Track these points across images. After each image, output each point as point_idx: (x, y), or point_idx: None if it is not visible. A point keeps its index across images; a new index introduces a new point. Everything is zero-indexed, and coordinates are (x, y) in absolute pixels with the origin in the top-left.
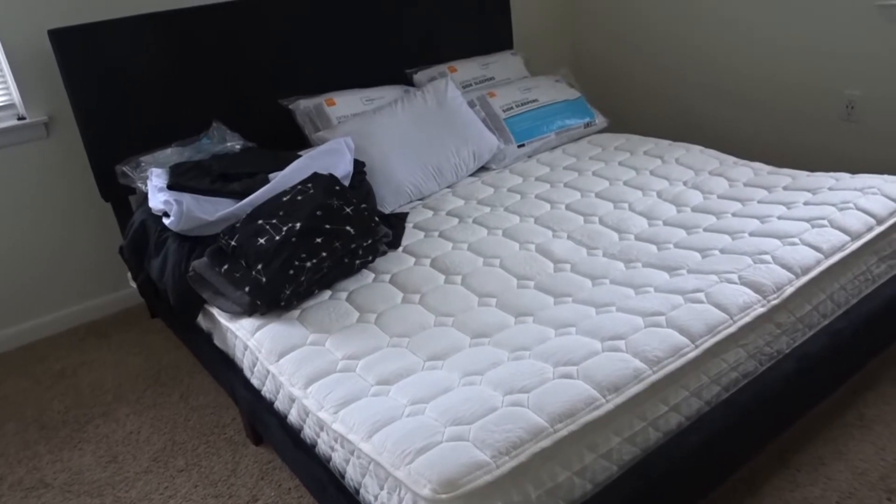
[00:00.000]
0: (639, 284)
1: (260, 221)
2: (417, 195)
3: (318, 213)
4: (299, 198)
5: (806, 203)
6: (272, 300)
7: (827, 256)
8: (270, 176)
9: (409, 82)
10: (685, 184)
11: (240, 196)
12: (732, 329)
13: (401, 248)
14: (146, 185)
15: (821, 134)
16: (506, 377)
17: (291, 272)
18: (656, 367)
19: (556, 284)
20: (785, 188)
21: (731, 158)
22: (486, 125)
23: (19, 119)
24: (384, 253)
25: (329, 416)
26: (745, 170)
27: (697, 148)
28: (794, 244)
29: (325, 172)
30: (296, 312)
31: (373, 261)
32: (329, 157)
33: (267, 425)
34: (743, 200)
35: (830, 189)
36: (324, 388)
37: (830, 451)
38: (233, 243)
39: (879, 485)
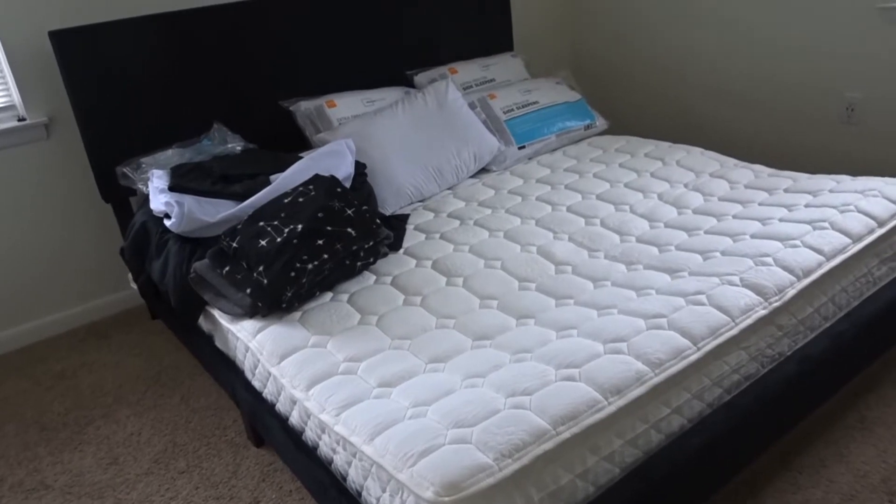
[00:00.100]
0: (640, 286)
1: (261, 223)
2: (418, 197)
3: (320, 214)
4: (301, 199)
5: (807, 205)
6: (273, 302)
7: (828, 259)
8: (271, 177)
9: (409, 84)
10: (686, 186)
11: (241, 198)
12: (734, 331)
13: (402, 250)
14: (147, 187)
15: (821, 136)
16: (508, 379)
17: (293, 274)
18: (658, 370)
19: (557, 286)
20: (786, 190)
21: (732, 160)
22: (486, 127)
23: (20, 120)
24: (385, 255)
25: (331, 418)
26: (746, 172)
27: (698, 150)
28: (795, 246)
29: (326, 174)
30: (297, 314)
31: (374, 263)
32: (330, 159)
33: (268, 427)
34: (744, 202)
35: (831, 191)
36: (325, 390)
37: (832, 453)
38: (234, 245)
39: (881, 487)
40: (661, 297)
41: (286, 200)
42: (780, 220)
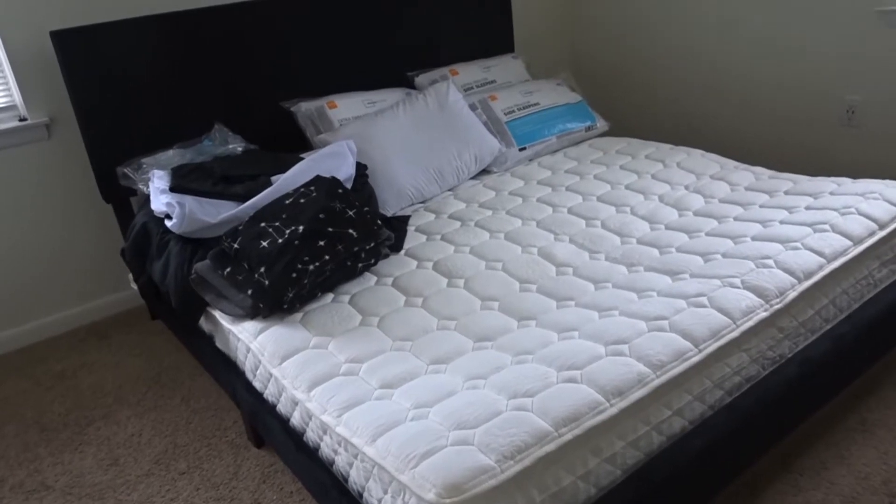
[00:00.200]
0: (641, 288)
1: (263, 224)
2: (419, 198)
3: (321, 215)
4: (302, 201)
5: (808, 207)
6: (275, 303)
7: (829, 261)
8: (273, 178)
9: (410, 85)
10: (687, 188)
11: (242, 199)
12: (735, 333)
13: (403, 252)
14: (148, 187)
15: (821, 138)
16: (510, 381)
17: (294, 275)
18: (660, 372)
19: (558, 288)
20: (786, 192)
21: (732, 162)
22: (487, 128)
23: (21, 120)
24: (386, 256)
25: (332, 419)
26: (747, 174)
27: (698, 152)
28: (796, 248)
29: (327, 175)
30: (298, 315)
31: (375, 264)
32: (331, 160)
33: (269, 428)
34: (744, 205)
35: (832, 194)
36: (327, 391)
37: (833, 455)
38: (235, 246)
39: (882, 489)
40: (663, 299)
41: (287, 201)
42: (781, 222)
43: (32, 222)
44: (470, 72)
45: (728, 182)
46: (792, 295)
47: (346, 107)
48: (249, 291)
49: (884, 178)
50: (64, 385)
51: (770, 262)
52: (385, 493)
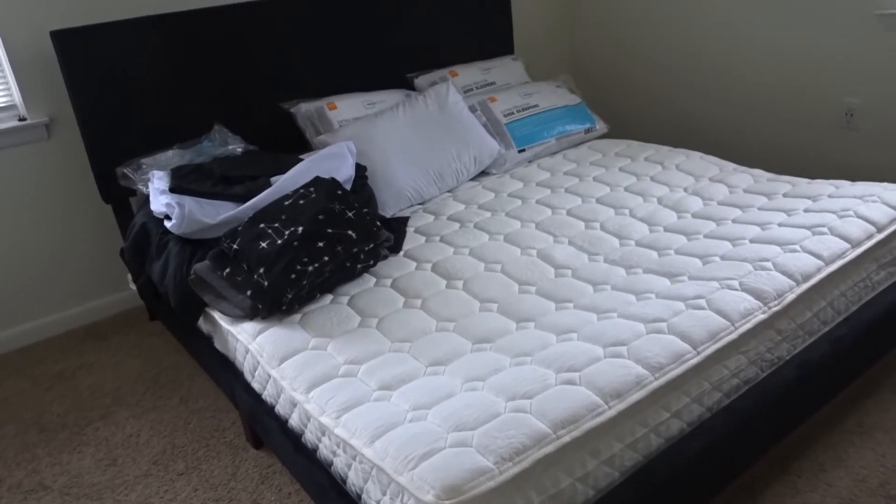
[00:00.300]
0: (640, 290)
1: (262, 225)
2: (418, 199)
3: (321, 217)
4: (301, 202)
5: (806, 210)
6: (274, 304)
7: (827, 263)
8: (272, 179)
9: (410, 86)
10: (685, 190)
11: (241, 199)
12: (733, 336)
13: (402, 253)
14: (147, 188)
15: (820, 140)
16: (508, 383)
17: (293, 276)
18: (658, 374)
19: (557, 290)
20: (785, 195)
21: (731, 165)
22: (486, 130)
23: (20, 120)
24: (385, 257)
25: (331, 420)
26: (745, 176)
27: (697, 154)
28: (794, 251)
29: (326, 176)
30: (297, 316)
31: (374, 265)
32: (331, 161)
33: (267, 429)
34: (743, 207)
35: (830, 196)
36: (325, 392)
37: (830, 457)
38: (235, 247)
39: (879, 491)
40: (661, 301)
41: (287, 202)
42: (780, 224)
43: (31, 222)
44: (469, 73)
45: (727, 184)
46: (790, 297)
47: (345, 108)
48: (248, 292)
49: (882, 180)
50: (62, 385)
51: (768, 264)
52: (384, 494)
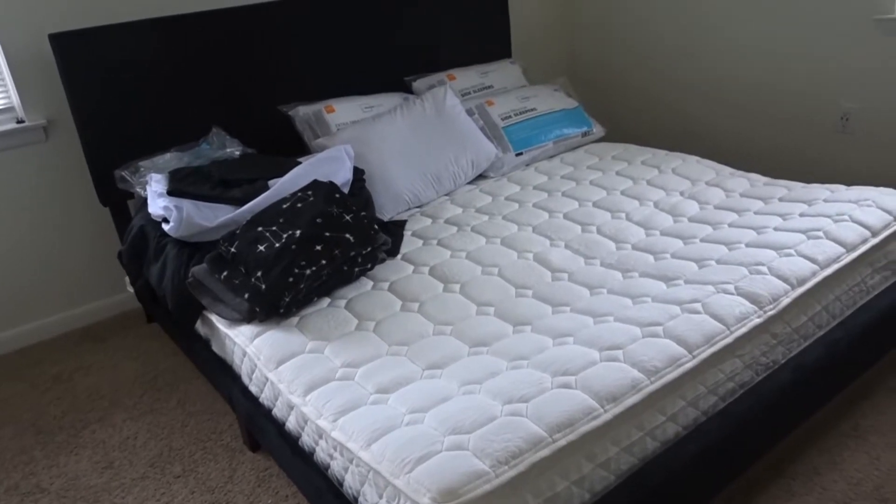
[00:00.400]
0: (636, 294)
1: (260, 228)
2: (416, 203)
3: (318, 220)
4: (299, 205)
5: (802, 214)
6: (271, 307)
7: (822, 268)
8: (270, 182)
9: (408, 90)
10: (682, 194)
11: (239, 202)
12: (729, 339)
13: (399, 256)
14: (145, 190)
15: (816, 145)
16: (505, 386)
17: (291, 279)
18: (654, 378)
19: (554, 294)
20: (781, 199)
21: (728, 169)
22: (484, 133)
23: (18, 122)
24: (383, 261)
25: (328, 423)
26: (742, 180)
27: (694, 158)
28: (790, 255)
29: (324, 180)
30: (294, 319)
31: (372, 268)
32: (329, 165)
33: (265, 432)
34: (739, 211)
35: (826, 201)
36: (323, 395)
37: (825, 460)
38: (232, 250)
39: (874, 494)
40: (657, 305)
41: (285, 206)
42: (775, 228)
43: (29, 224)
44: (467, 77)
45: (723, 188)
46: (785, 301)
47: (343, 111)
48: (246, 295)
49: (877, 184)
50: (60, 388)
51: (764, 268)
52: (380, 497)
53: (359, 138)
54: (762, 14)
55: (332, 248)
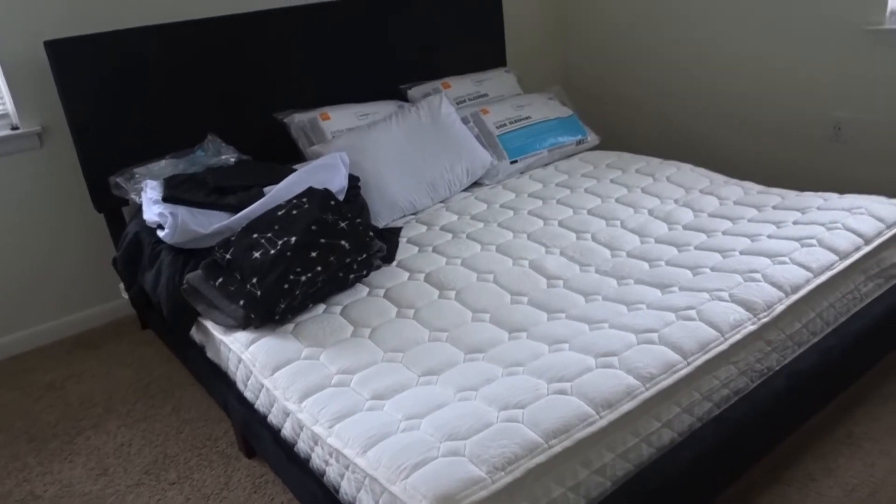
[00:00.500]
0: (631, 301)
1: (255, 235)
2: (411, 210)
3: (314, 227)
4: (294, 212)
5: (795, 222)
6: (266, 314)
7: (816, 275)
8: (265, 189)
9: (403, 98)
10: (676, 202)
11: (234, 209)
12: (724, 346)
13: (395, 263)
14: (140, 197)
15: (809, 153)
16: (500, 393)
17: (286, 286)
18: (649, 384)
19: (549, 300)
20: (774, 207)
21: (722, 177)
22: (479, 141)
23: (13, 129)
24: (378, 267)
25: (324, 430)
26: (736, 188)
27: (688, 166)
28: (783, 263)
29: (320, 187)
30: (290, 326)
31: (367, 275)
32: (324, 172)
33: (260, 439)
34: (733, 219)
35: (819, 209)
36: (318, 402)
37: (820, 467)
38: (228, 256)
39: (869, 501)
40: (652, 312)
41: (280, 213)
42: (769, 236)
43: (23, 231)
44: (462, 85)
45: (717, 196)
46: (779, 308)
47: (339, 119)
48: (241, 302)
49: (869, 193)
50: (53, 395)
51: (758, 275)
52: (376, 503)
53: (354, 146)
54: (755, 24)
55: (328, 255)
